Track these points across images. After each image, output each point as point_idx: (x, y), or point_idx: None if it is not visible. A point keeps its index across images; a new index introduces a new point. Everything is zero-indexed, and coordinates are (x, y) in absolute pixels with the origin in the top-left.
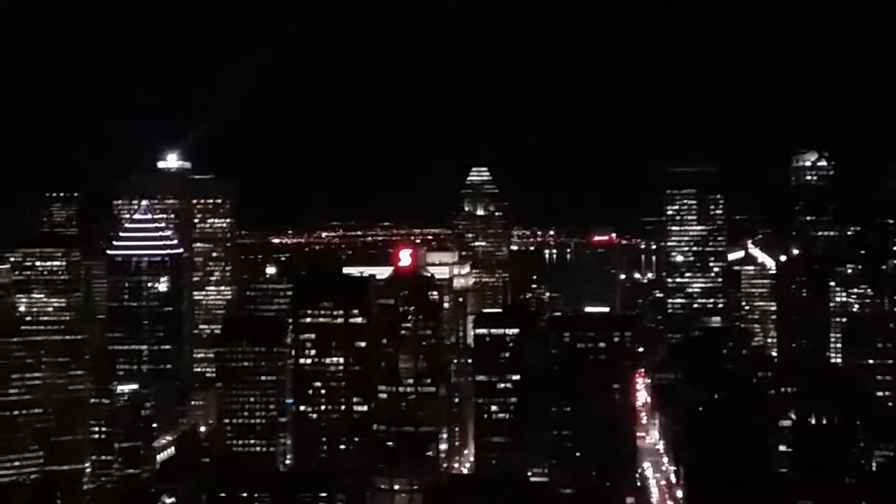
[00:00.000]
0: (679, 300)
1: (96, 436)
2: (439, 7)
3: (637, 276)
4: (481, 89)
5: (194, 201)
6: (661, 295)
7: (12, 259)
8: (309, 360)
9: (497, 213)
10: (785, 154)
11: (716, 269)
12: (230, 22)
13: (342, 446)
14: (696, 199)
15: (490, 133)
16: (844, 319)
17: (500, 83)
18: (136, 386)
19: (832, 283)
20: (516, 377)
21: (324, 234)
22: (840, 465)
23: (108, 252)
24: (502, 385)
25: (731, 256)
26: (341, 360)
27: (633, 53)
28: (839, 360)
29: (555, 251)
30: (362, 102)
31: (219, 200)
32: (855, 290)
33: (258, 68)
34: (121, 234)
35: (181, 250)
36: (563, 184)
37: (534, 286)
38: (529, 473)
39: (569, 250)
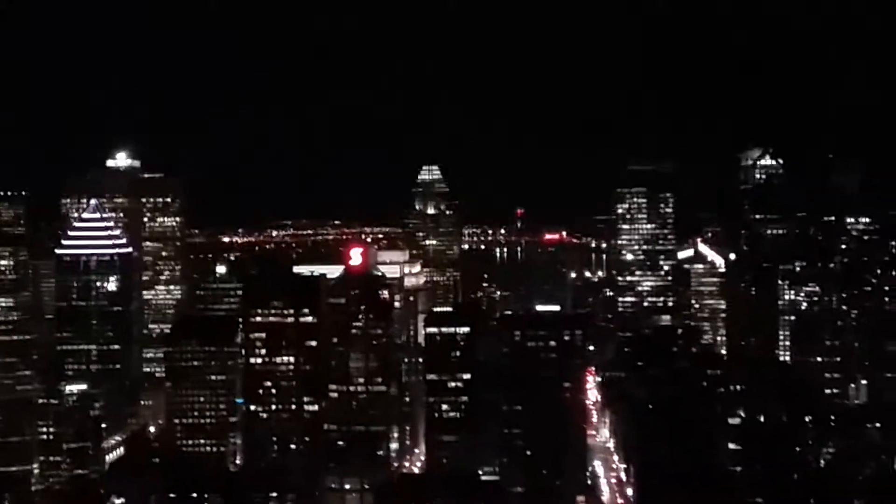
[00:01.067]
0: (629, 299)
1: (45, 436)
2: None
3: (588, 274)
4: (435, 85)
5: (143, 200)
6: (611, 293)
7: None
8: (259, 360)
9: (448, 212)
10: (733, 151)
11: (665, 268)
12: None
13: (293, 446)
14: (647, 198)
15: (441, 130)
16: (793, 317)
17: (453, 77)
18: (84, 386)
19: (780, 281)
20: (467, 376)
21: (274, 233)
22: (788, 463)
23: (57, 251)
24: (453, 384)
25: (681, 255)
26: (292, 359)
27: (591, 52)
28: (788, 358)
29: (506, 250)
30: (315, 100)
31: (168, 199)
32: (803, 288)
33: (209, 66)
34: (69, 233)
35: (130, 249)
36: (514, 181)
37: (485, 285)
38: (480, 472)
39: (520, 249)
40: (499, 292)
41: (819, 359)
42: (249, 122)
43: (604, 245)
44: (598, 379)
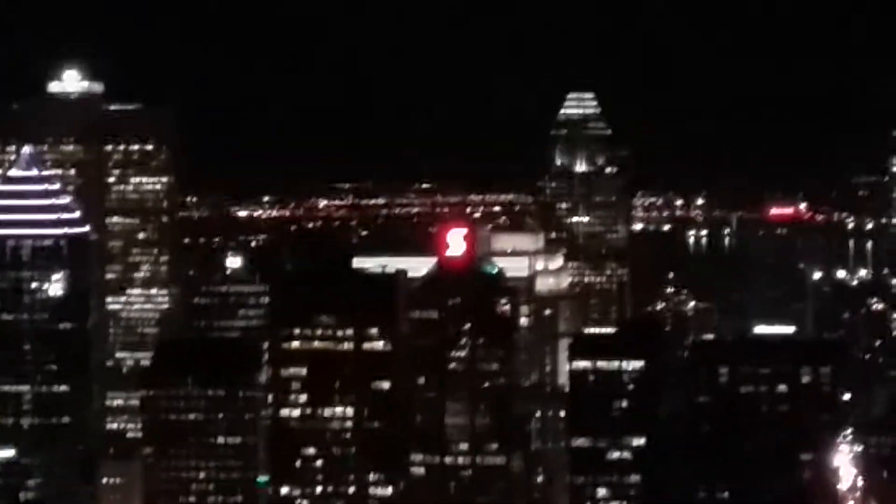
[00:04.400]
0: None
1: None
2: None
3: (842, 274)
4: None
5: (108, 148)
6: (881, 306)
7: None
8: (296, 412)
9: (609, 170)
10: None
11: None
12: None
13: None
14: None
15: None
16: None
17: None
18: (12, 452)
19: None
20: (639, 441)
21: (321, 204)
22: None
23: None
24: (616, 454)
25: None
26: (350, 411)
27: None
28: None
29: (704, 233)
30: None
31: (149, 147)
32: None
33: None
34: None
35: (87, 229)
36: (715, 122)
37: (670, 290)
38: None
39: (728, 231)
40: (693, 303)
41: None
42: (281, 24)
43: (869, 226)
44: (859, 448)
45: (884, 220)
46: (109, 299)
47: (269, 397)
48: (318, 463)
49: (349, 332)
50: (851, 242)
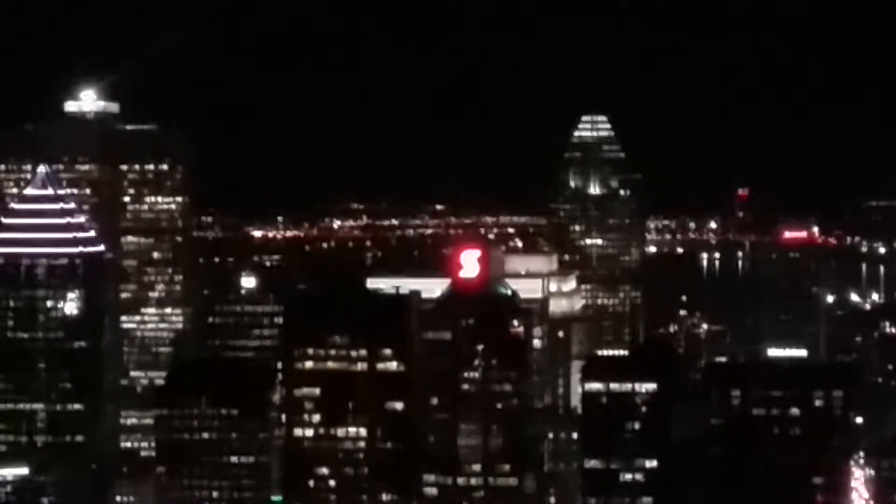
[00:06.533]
0: None
1: None
2: None
3: (855, 297)
4: None
5: (124, 167)
6: (894, 329)
7: None
8: (310, 432)
9: (623, 192)
10: None
11: None
12: None
13: None
14: None
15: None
16: None
17: None
18: (25, 470)
19: None
20: (651, 462)
21: (336, 224)
22: None
23: None
24: (629, 475)
25: None
26: (363, 431)
27: None
28: None
29: (717, 255)
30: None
31: (164, 167)
32: None
33: None
34: (3, 220)
35: (102, 248)
36: (730, 145)
37: (683, 313)
38: None
39: (741, 254)
40: (705, 325)
41: None
42: (297, 46)
43: (882, 249)
44: (872, 471)
45: None
46: (124, 318)
47: (283, 417)
48: (332, 483)
49: (363, 352)
50: (864, 266)
